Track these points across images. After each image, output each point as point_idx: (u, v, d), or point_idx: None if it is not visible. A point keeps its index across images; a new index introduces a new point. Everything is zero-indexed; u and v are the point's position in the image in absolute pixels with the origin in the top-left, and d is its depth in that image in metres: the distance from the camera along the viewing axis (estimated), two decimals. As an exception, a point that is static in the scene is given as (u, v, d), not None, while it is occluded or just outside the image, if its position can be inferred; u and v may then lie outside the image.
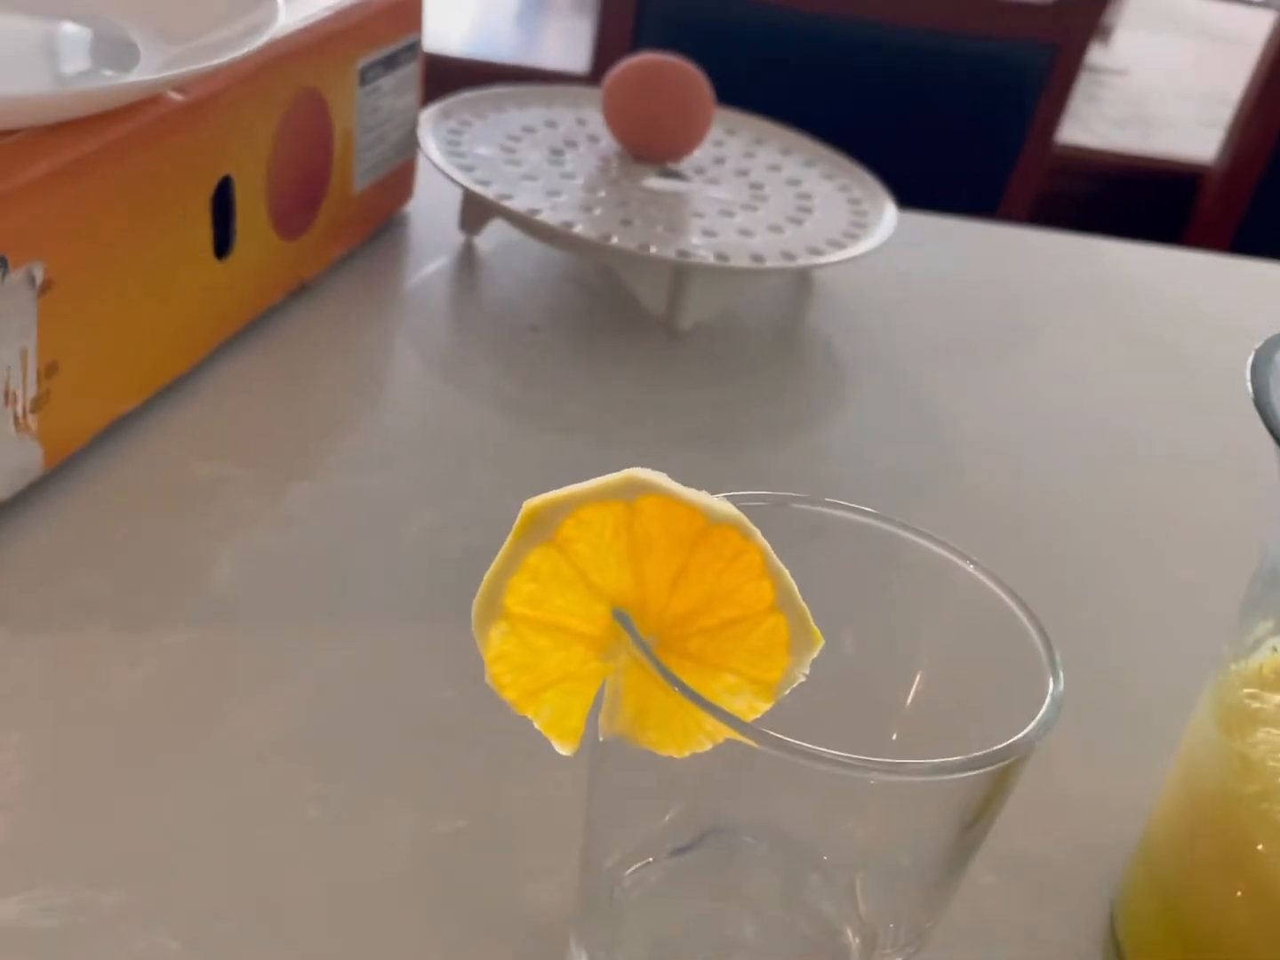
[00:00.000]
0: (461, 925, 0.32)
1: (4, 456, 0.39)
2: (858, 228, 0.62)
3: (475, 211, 0.62)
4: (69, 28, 0.49)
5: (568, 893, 0.33)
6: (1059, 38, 1.18)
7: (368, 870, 0.33)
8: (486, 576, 0.26)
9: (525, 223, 0.57)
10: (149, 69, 0.45)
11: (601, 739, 0.28)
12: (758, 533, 0.26)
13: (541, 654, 0.27)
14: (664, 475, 0.27)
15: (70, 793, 0.34)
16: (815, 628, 0.27)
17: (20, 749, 0.34)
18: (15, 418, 0.39)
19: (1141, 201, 1.54)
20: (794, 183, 0.65)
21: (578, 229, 0.56)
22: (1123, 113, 1.70)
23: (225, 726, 0.36)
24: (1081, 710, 0.31)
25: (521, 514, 0.26)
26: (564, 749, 0.27)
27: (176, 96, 0.44)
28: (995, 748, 0.25)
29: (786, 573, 0.27)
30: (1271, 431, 0.27)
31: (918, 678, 0.30)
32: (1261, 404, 0.27)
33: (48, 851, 0.32)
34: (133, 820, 0.33)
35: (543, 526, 0.26)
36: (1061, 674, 0.26)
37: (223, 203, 0.48)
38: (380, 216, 0.62)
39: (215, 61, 0.42)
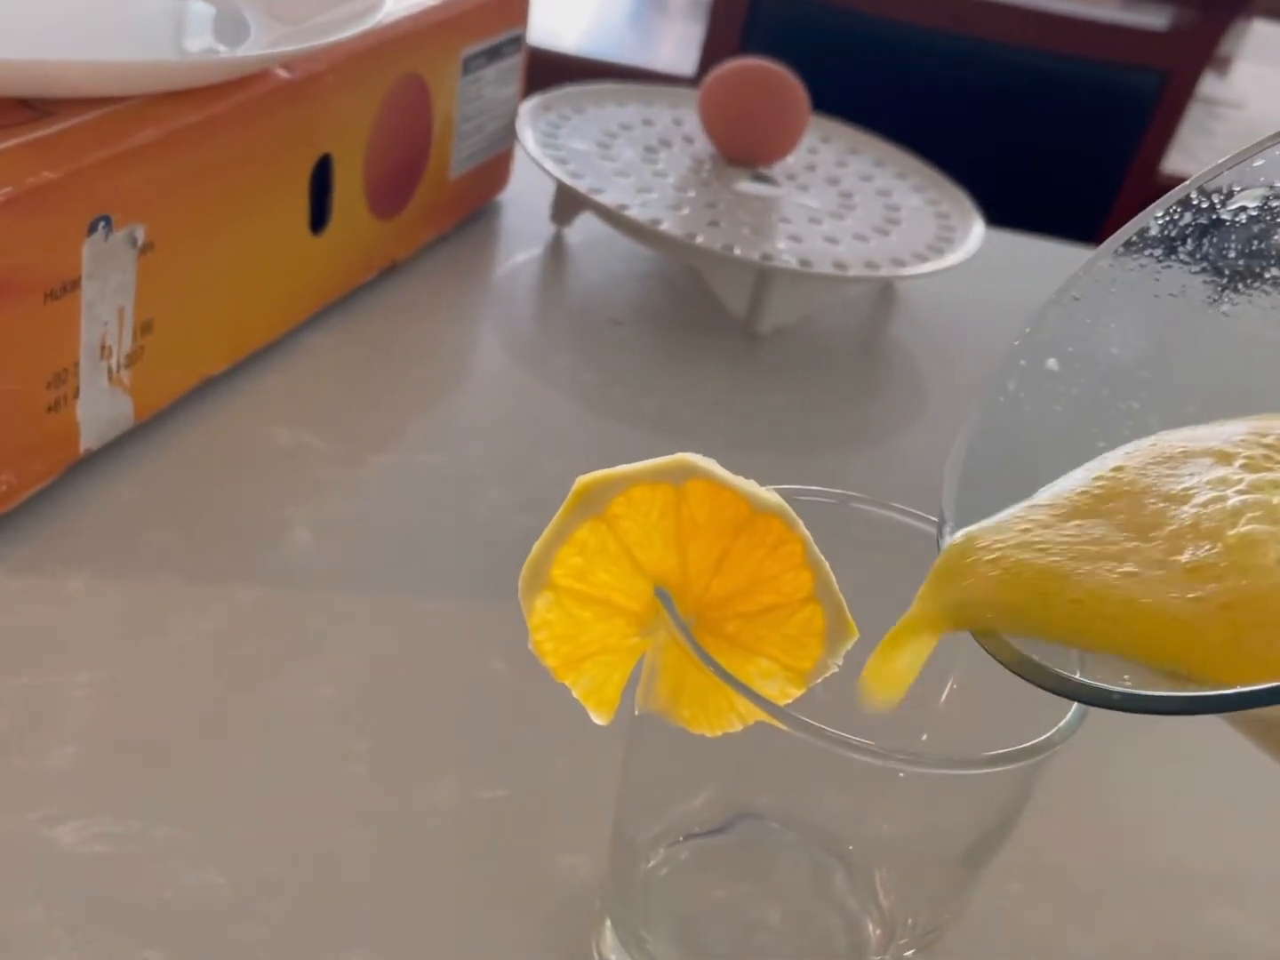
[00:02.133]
0: (496, 890, 0.33)
1: (97, 407, 0.41)
2: (944, 242, 0.62)
3: (566, 204, 0.63)
4: (188, 3, 0.51)
5: (600, 865, 0.34)
6: (1170, 64, 1.16)
7: (408, 830, 0.34)
8: (535, 546, 0.27)
9: (614, 217, 0.58)
10: (258, 46, 0.47)
11: (638, 713, 0.29)
12: (800, 523, 0.27)
13: (583, 625, 0.27)
14: (714, 462, 0.27)
15: (134, 731, 0.35)
16: (851, 620, 0.27)
17: (91, 687, 0.36)
18: (109, 371, 0.41)
19: (1248, 237, 1.51)
20: (884, 194, 0.65)
21: (664, 226, 0.57)
22: (1235, 147, 1.67)
23: (284, 682, 0.38)
24: (1115, 724, 0.31)
25: (574, 489, 0.27)
26: (599, 718, 0.28)
27: (283, 74, 0.45)
28: (1018, 747, 0.25)
29: (826, 564, 0.27)
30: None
31: (951, 679, 0.30)
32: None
33: (108, 783, 0.34)
34: (190, 762, 0.35)
35: (593, 502, 0.27)
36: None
37: (321, 180, 0.49)
38: (474, 203, 0.63)
39: (323, 41, 0.44)
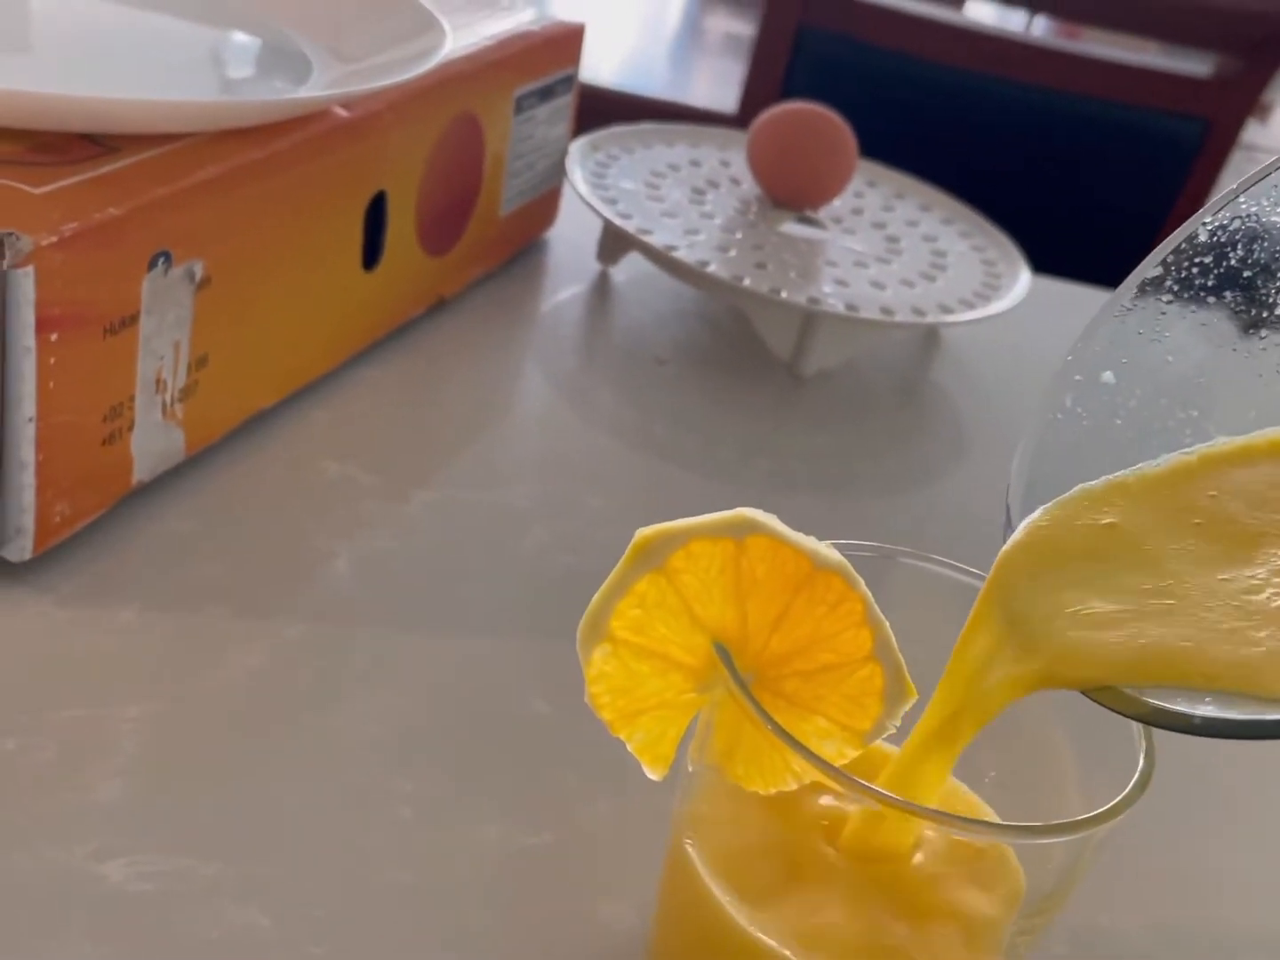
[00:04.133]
0: (537, 938, 0.33)
1: (150, 440, 0.41)
2: (990, 289, 0.62)
3: (614, 243, 0.64)
4: (251, 40, 0.51)
5: (644, 915, 0.33)
6: (1214, 112, 1.16)
7: (452, 874, 0.34)
8: (595, 598, 0.27)
9: (661, 258, 0.58)
10: (320, 85, 0.47)
11: (691, 769, 0.29)
12: (861, 582, 0.27)
13: (640, 679, 0.27)
14: (774, 517, 0.27)
15: (180, 767, 0.35)
16: (909, 681, 0.27)
17: (139, 721, 0.36)
18: (164, 405, 0.41)
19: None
20: (930, 239, 0.66)
21: (712, 268, 0.57)
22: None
23: (329, 719, 0.38)
24: (1168, 787, 0.31)
25: (634, 542, 0.27)
26: (654, 774, 0.28)
27: (342, 112, 0.46)
28: (1076, 818, 0.25)
29: (886, 624, 0.27)
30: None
31: (1007, 742, 0.30)
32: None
33: (155, 819, 0.34)
34: (237, 799, 0.35)
35: (653, 555, 0.27)
36: (1153, 753, 0.26)
37: (375, 216, 0.50)
38: (522, 241, 0.63)
39: (384, 82, 0.44)
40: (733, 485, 0.53)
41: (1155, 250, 0.28)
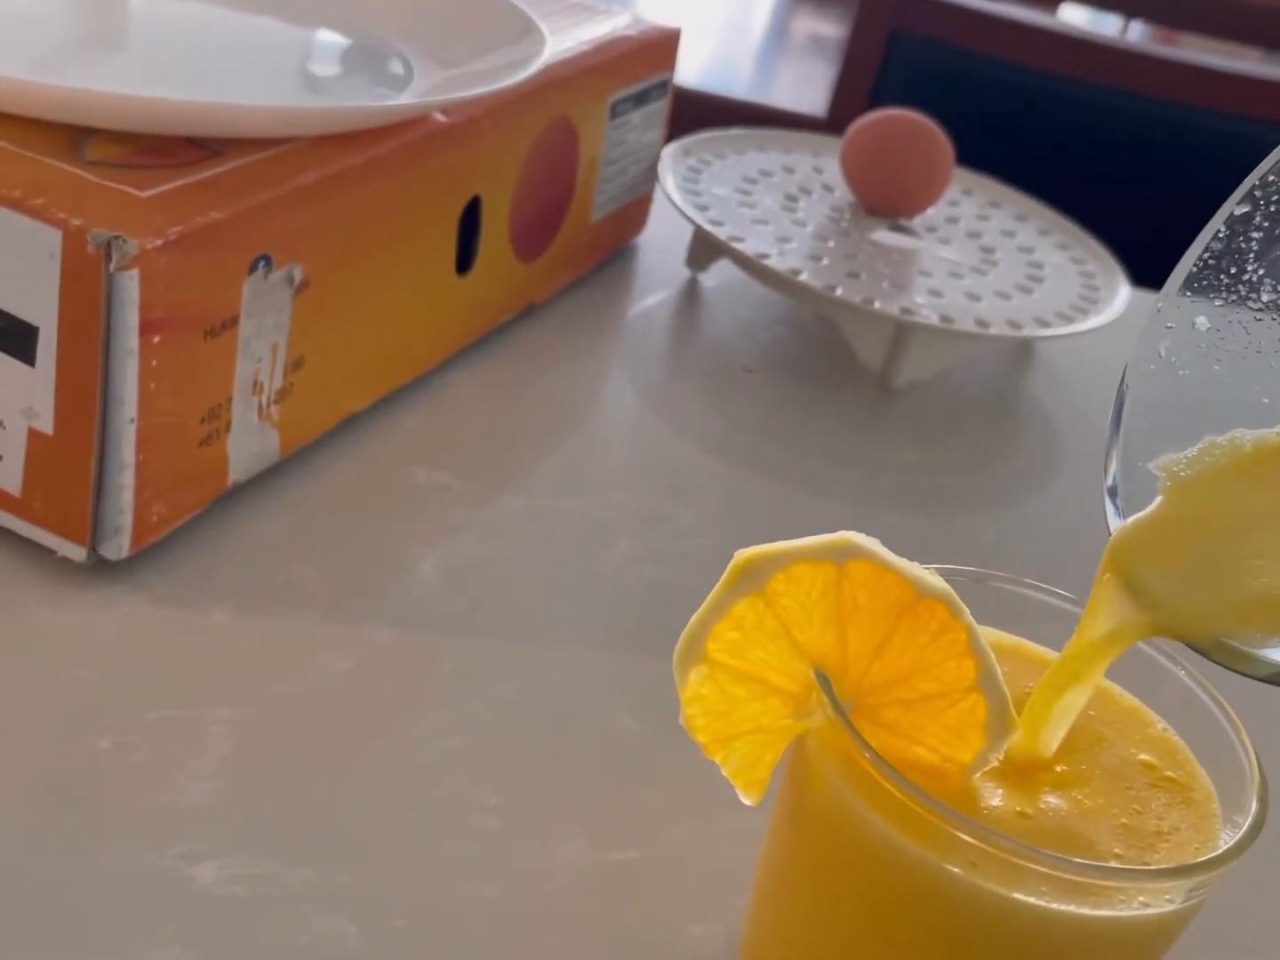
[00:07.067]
0: (622, 957, 0.33)
1: (246, 442, 0.42)
2: (1088, 302, 0.61)
3: (704, 249, 0.63)
4: (352, 44, 0.52)
5: (731, 939, 0.33)
6: (1317, 122, 1.13)
7: (536, 890, 0.34)
8: (692, 619, 0.27)
9: (753, 266, 0.58)
10: (420, 90, 0.48)
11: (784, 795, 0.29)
12: (966, 610, 0.26)
13: (737, 703, 0.27)
14: (876, 541, 0.27)
15: (270, 771, 0.35)
16: (1014, 713, 0.27)
17: (230, 724, 0.36)
18: (260, 407, 0.42)
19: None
20: (1026, 250, 0.64)
21: (804, 277, 0.57)
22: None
23: (416, 728, 0.38)
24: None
25: (733, 563, 0.27)
26: (748, 799, 0.28)
27: (440, 118, 0.46)
28: (1185, 863, 0.24)
29: (991, 654, 0.27)
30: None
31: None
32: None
33: (244, 822, 0.34)
34: (326, 805, 0.35)
35: (753, 578, 0.27)
36: (1267, 797, 0.25)
37: (470, 222, 0.50)
38: (612, 246, 0.63)
39: (485, 89, 0.44)
40: (819, 498, 0.53)
41: (1241, 185, 0.27)
